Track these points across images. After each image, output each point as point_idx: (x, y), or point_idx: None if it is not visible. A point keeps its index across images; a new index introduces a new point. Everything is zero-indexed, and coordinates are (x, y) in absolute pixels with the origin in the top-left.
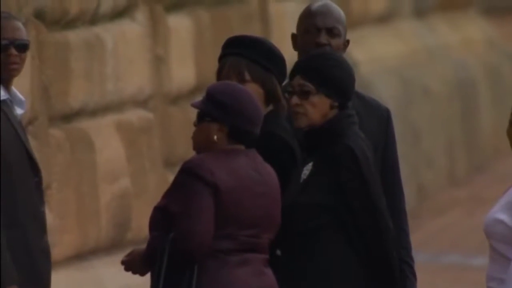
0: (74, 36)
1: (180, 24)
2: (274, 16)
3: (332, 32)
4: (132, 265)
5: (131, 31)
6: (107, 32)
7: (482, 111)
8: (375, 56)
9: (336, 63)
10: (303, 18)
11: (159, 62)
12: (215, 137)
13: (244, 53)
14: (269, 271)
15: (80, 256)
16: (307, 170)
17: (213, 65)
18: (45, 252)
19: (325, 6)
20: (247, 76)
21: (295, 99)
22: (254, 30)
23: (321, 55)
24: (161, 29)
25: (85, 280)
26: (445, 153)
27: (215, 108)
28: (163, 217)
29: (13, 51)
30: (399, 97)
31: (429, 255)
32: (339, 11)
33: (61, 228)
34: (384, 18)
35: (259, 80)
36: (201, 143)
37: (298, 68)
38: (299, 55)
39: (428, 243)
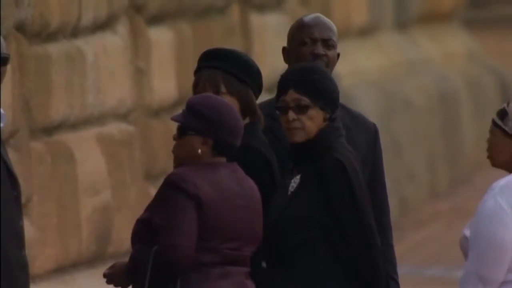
0: (55, 49)
1: (161, 37)
2: (255, 29)
3: (327, 43)
4: (114, 278)
5: (112, 43)
6: (88, 45)
7: (463, 124)
8: (357, 69)
9: (325, 75)
10: (296, 30)
11: (140, 74)
12: (199, 150)
13: (220, 65)
14: (250, 283)
15: (61, 269)
16: (294, 183)
17: None
18: (24, 266)
19: (319, 18)
20: (223, 89)
21: (291, 114)
22: (235, 43)
23: (311, 68)
24: (142, 41)
25: None
26: (427, 166)
27: (199, 121)
28: (146, 230)
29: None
30: (380, 110)
31: (411, 268)
32: (332, 24)
33: (42, 241)
34: (366, 31)
35: (235, 92)
36: (184, 157)
37: (290, 82)
38: None
39: (409, 255)
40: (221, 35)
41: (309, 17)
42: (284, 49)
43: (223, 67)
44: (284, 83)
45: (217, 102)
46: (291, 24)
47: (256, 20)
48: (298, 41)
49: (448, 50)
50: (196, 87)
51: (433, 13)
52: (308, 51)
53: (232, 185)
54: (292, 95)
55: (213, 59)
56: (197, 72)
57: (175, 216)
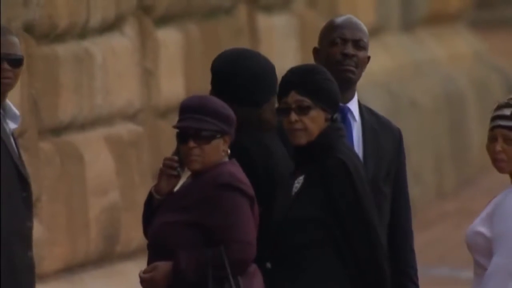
0: (63, 49)
1: (169, 38)
2: (263, 30)
3: (358, 44)
4: (154, 282)
5: (120, 44)
6: (96, 46)
7: (469, 125)
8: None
9: (326, 76)
10: (328, 30)
11: (148, 75)
12: (224, 150)
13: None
14: None
15: (70, 269)
16: (298, 183)
17: (202, 78)
18: (29, 267)
19: (351, 19)
20: None
21: (293, 116)
22: (242, 44)
23: (312, 69)
24: (150, 42)
25: None
26: (433, 167)
27: (223, 123)
28: (195, 232)
29: (6, 66)
30: (387, 111)
31: (418, 268)
32: (363, 25)
33: (50, 241)
34: (373, 32)
35: None
36: (211, 161)
37: (291, 84)
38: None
39: (416, 256)
40: (228, 36)
41: (340, 18)
42: (315, 49)
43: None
44: (286, 85)
45: (218, 100)
46: (298, 25)
47: (263, 21)
48: (329, 41)
49: (454, 51)
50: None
51: (440, 14)
52: (338, 51)
53: (248, 183)
54: (293, 97)
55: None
56: None
57: (238, 215)
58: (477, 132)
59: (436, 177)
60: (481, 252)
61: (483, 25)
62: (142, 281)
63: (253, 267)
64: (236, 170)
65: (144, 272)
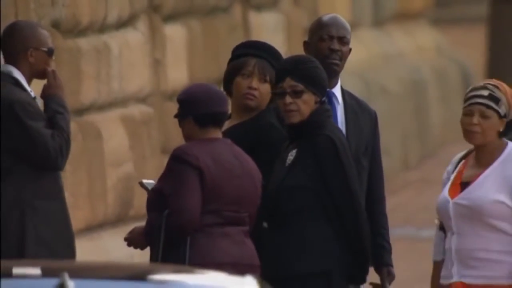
0: (85, 43)
1: (175, 33)
2: (254, 26)
3: (342, 40)
4: (134, 241)
5: (133, 38)
6: (113, 40)
7: (431, 108)
8: None
9: (316, 64)
10: (316, 28)
11: (157, 65)
12: (186, 130)
13: (267, 57)
14: (249, 241)
15: (90, 229)
16: (291, 156)
17: (203, 67)
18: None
19: (336, 18)
20: (268, 78)
21: (288, 99)
22: (237, 38)
23: (304, 59)
24: (159, 36)
25: (94, 249)
26: (400, 143)
27: (179, 108)
28: (158, 198)
29: (52, 57)
30: (361, 95)
31: None
32: (347, 23)
33: (74, 205)
34: None
35: (272, 82)
36: (184, 138)
37: (286, 71)
38: None
39: None
40: (225, 31)
41: (327, 16)
42: (305, 42)
43: (270, 59)
44: (282, 72)
45: (190, 87)
46: (285, 21)
47: (255, 18)
48: (318, 37)
49: (419, 44)
50: (241, 70)
51: (406, 12)
52: (326, 46)
53: (229, 157)
54: (289, 82)
55: (263, 50)
56: (237, 57)
57: (180, 184)
58: (438, 113)
59: (402, 151)
60: (501, 218)
61: (443, 22)
62: (125, 240)
63: (225, 230)
64: (196, 145)
65: (127, 234)
